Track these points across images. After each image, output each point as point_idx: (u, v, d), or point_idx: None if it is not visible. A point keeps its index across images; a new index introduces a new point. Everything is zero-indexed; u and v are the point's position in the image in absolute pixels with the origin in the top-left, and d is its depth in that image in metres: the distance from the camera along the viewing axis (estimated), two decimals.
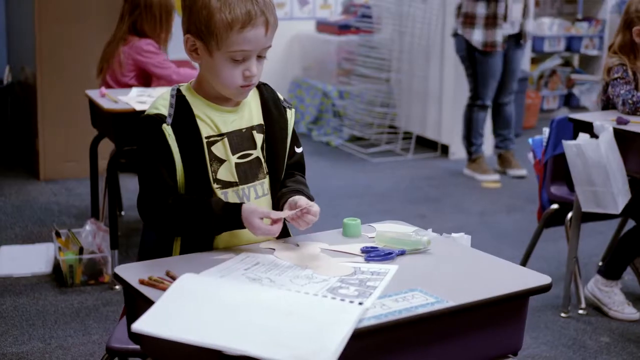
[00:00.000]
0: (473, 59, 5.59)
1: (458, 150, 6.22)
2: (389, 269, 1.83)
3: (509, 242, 4.44)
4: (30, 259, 3.96)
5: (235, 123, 2.00)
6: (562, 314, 3.54)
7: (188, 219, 1.90)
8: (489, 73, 5.59)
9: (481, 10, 5.45)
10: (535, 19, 7.46)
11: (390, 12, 6.58)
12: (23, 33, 5.57)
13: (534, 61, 7.43)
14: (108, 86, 4.25)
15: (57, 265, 3.78)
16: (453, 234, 2.08)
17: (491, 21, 5.46)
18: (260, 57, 1.95)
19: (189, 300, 1.57)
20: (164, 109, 1.94)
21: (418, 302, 1.65)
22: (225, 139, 1.97)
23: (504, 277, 1.83)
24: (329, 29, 6.93)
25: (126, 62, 4.20)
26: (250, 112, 2.03)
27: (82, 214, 4.64)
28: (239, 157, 1.98)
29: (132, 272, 1.78)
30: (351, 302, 1.62)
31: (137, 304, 1.75)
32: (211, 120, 1.97)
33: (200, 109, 1.97)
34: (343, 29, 6.83)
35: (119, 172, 4.53)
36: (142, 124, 1.94)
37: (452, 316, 1.67)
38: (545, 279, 1.80)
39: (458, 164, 6.07)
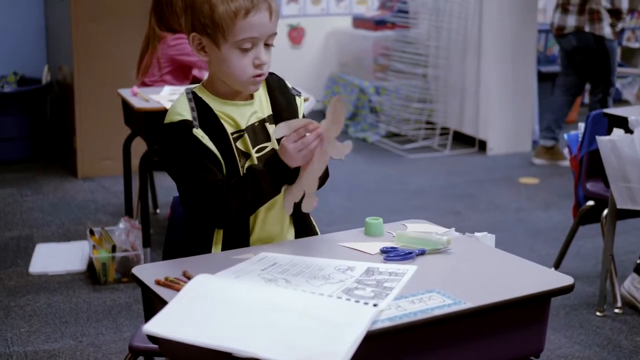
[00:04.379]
0: (605, 52, 5.65)
1: (496, 146, 6.16)
2: (408, 269, 1.80)
3: (545, 239, 4.37)
4: (66, 257, 4.00)
5: (253, 116, 2.00)
6: (598, 313, 3.48)
7: (248, 193, 1.88)
8: (616, 61, 5.82)
9: (606, 4, 5.61)
10: None
11: (426, 7, 6.53)
12: (60, 33, 5.63)
13: None
14: (145, 85, 4.28)
15: (91, 263, 3.82)
16: (476, 234, 2.04)
17: (615, 15, 5.65)
18: (267, 46, 1.94)
19: (201, 301, 1.56)
20: (187, 114, 1.93)
21: (435, 303, 1.63)
22: (245, 134, 1.97)
23: (525, 277, 1.79)
24: (365, 24, 6.90)
25: (162, 59, 4.23)
26: (261, 104, 2.03)
27: (118, 212, 4.67)
28: (257, 151, 1.98)
29: (150, 272, 1.78)
30: (366, 303, 1.60)
31: (153, 304, 1.75)
32: (230, 117, 1.97)
33: (218, 107, 1.97)
34: (379, 24, 6.79)
35: (154, 170, 4.56)
36: (171, 133, 1.93)
37: (470, 318, 1.64)
38: (567, 280, 1.76)
39: (496, 160, 6.01)
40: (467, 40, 6.27)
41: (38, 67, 6.04)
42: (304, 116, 2.10)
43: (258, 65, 1.92)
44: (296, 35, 7.01)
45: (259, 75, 1.94)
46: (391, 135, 6.60)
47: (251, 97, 2.01)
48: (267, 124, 2.01)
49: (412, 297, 1.66)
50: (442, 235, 1.97)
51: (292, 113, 2.04)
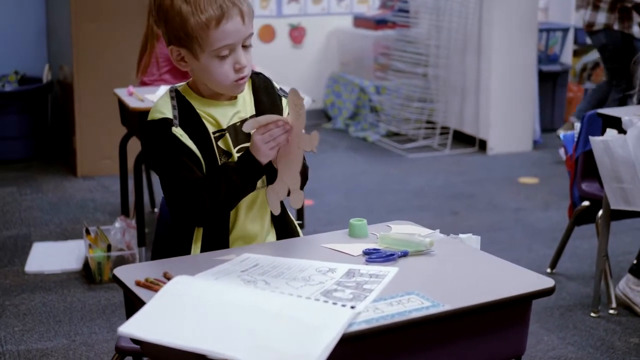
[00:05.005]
0: (632, 50, 5.71)
1: (496, 145, 6.15)
2: (389, 271, 1.80)
3: (543, 239, 4.36)
4: (62, 256, 4.01)
5: (235, 116, 2.00)
6: (592, 314, 3.47)
7: (223, 190, 1.89)
8: None
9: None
10: (577, 10, 7.33)
11: (427, 6, 6.52)
12: (60, 32, 5.65)
13: (577, 53, 7.30)
14: (145, 84, 4.29)
15: (86, 263, 3.83)
16: (461, 235, 2.04)
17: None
18: (245, 47, 1.94)
19: (178, 302, 1.56)
20: (168, 112, 1.94)
21: (413, 306, 1.63)
22: (227, 134, 1.97)
23: (506, 280, 1.79)
24: (366, 23, 6.90)
25: (160, 58, 4.23)
26: (245, 104, 2.03)
27: (116, 211, 4.68)
28: (238, 151, 1.98)
29: (131, 273, 1.79)
30: (343, 305, 1.60)
31: (134, 305, 1.75)
32: (211, 117, 1.98)
33: (201, 107, 1.98)
34: (380, 23, 6.78)
35: (151, 169, 4.56)
36: (151, 130, 1.94)
37: (448, 321, 1.64)
38: (548, 282, 1.76)
39: (496, 160, 6.00)
40: (468, 39, 6.26)
41: (39, 67, 6.06)
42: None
43: (239, 69, 1.93)
44: (297, 34, 7.00)
45: (242, 78, 1.94)
46: (391, 135, 6.60)
47: (234, 97, 2.01)
48: (248, 119, 2.01)
49: (390, 299, 1.66)
50: (425, 237, 1.97)
51: (276, 114, 2.04)
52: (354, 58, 6.95)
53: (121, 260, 3.75)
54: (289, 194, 1.96)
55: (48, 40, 6.16)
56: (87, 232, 3.87)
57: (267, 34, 6.95)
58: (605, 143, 3.12)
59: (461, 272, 1.82)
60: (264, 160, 1.89)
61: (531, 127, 6.26)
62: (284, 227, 2.10)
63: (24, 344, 3.18)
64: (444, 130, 6.40)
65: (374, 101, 6.68)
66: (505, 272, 1.83)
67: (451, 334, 1.67)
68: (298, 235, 2.13)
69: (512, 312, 1.73)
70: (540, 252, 4.18)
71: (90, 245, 3.80)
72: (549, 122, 6.68)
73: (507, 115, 6.14)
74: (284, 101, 2.09)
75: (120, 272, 1.81)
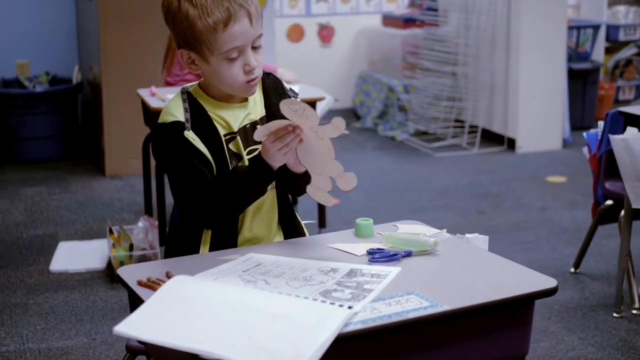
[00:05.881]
0: None
1: (525, 144, 6.10)
2: (391, 271, 1.79)
3: (568, 239, 4.32)
4: (86, 255, 4.05)
5: (245, 119, 2.00)
6: (615, 314, 3.43)
7: (233, 194, 1.89)
8: None
9: None
10: (609, 7, 7.25)
11: (455, 4, 6.48)
12: (90, 33, 5.71)
13: (609, 51, 7.22)
14: (169, 84, 4.32)
15: (110, 262, 3.86)
16: (467, 235, 2.02)
17: None
18: (255, 48, 1.94)
19: (175, 302, 1.57)
20: (180, 115, 1.94)
21: (411, 306, 1.62)
22: (238, 136, 1.98)
23: (508, 280, 1.77)
24: (394, 22, 6.88)
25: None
26: (255, 106, 2.03)
27: (142, 210, 4.72)
28: (248, 153, 1.98)
29: (134, 273, 1.80)
30: (340, 305, 1.59)
31: (137, 305, 1.77)
32: (223, 119, 1.98)
33: (212, 109, 1.98)
34: (408, 22, 6.77)
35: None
36: (163, 134, 1.94)
37: (447, 321, 1.63)
38: (550, 282, 1.74)
39: (524, 158, 5.96)
40: (496, 37, 6.21)
41: (70, 67, 6.13)
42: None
43: (249, 71, 1.92)
44: (326, 34, 7.01)
45: (252, 80, 1.94)
46: (420, 134, 6.58)
47: (245, 99, 2.02)
48: (259, 126, 2.02)
49: (390, 299, 1.65)
50: (430, 237, 1.95)
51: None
52: (382, 57, 6.94)
53: (143, 260, 3.78)
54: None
55: (78, 41, 6.23)
56: (111, 231, 3.91)
57: (296, 33, 6.96)
58: (625, 141, 3.08)
59: (464, 273, 1.81)
60: (275, 165, 1.87)
61: (560, 126, 6.20)
62: (292, 229, 2.10)
63: (45, 342, 3.22)
64: (473, 129, 6.36)
65: (402, 100, 6.66)
66: (509, 272, 1.81)
67: (451, 335, 1.66)
68: (304, 235, 2.12)
69: (513, 312, 1.72)
70: (565, 251, 4.14)
71: (113, 245, 3.84)
72: (579, 120, 6.61)
73: (536, 114, 6.09)
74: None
75: (124, 271, 1.82)
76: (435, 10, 6.67)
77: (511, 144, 6.18)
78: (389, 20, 6.96)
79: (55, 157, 5.88)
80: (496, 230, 4.45)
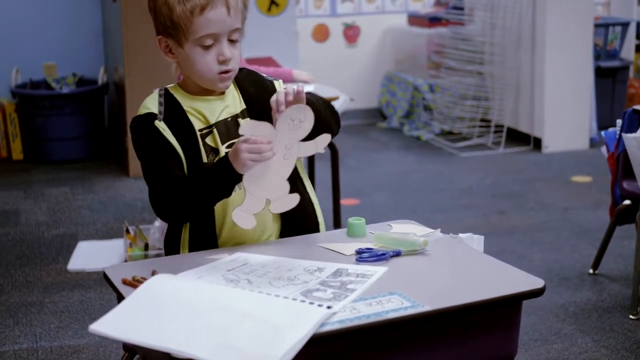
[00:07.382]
0: None
1: (551, 144, 6.02)
2: (376, 271, 1.78)
3: (589, 240, 4.25)
4: (104, 255, 4.08)
5: (223, 112, 2.00)
6: (631, 316, 3.37)
7: (193, 192, 1.88)
8: None
9: None
10: (639, 4, 7.14)
11: (481, 3, 6.43)
12: (114, 34, 5.76)
13: (638, 48, 7.10)
14: None
15: (126, 261, 3.89)
16: (460, 235, 2.00)
17: None
18: (232, 42, 1.94)
19: (152, 301, 1.57)
20: (154, 108, 1.97)
21: (391, 306, 1.60)
22: (215, 130, 1.98)
23: (495, 280, 1.74)
24: (419, 21, 6.84)
25: None
26: (234, 100, 2.03)
27: None
28: (227, 147, 1.98)
29: (121, 272, 1.81)
30: (320, 305, 1.58)
31: None
32: (199, 113, 1.99)
33: (188, 103, 1.99)
34: (434, 21, 6.72)
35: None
36: (135, 125, 1.97)
37: (428, 322, 1.61)
38: (538, 283, 1.71)
39: (550, 158, 5.88)
40: (522, 36, 6.15)
41: (96, 69, 6.19)
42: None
43: (222, 61, 1.93)
44: (351, 33, 6.99)
45: (226, 72, 1.95)
46: (445, 133, 6.53)
47: (222, 93, 2.02)
48: (240, 119, 2.01)
49: (371, 299, 1.64)
50: (422, 236, 1.93)
51: (267, 97, 1.92)
52: (408, 56, 6.90)
53: None
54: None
55: (104, 42, 6.29)
56: (127, 231, 3.94)
57: (321, 33, 6.95)
58: (637, 140, 3.02)
59: (451, 273, 1.79)
60: (240, 170, 1.82)
61: (587, 125, 6.12)
62: (293, 219, 2.04)
63: (58, 341, 3.25)
64: (498, 129, 6.30)
65: (428, 100, 6.62)
66: (496, 273, 1.79)
67: (433, 336, 1.64)
68: (317, 224, 2.09)
69: (499, 313, 1.69)
70: (585, 252, 4.08)
71: (130, 244, 3.86)
72: (607, 119, 6.50)
73: (562, 113, 6.01)
74: (277, 84, 2.08)
75: (111, 270, 1.83)
76: (461, 9, 6.62)
77: (537, 143, 6.11)
78: (414, 19, 6.92)
79: (81, 158, 5.94)
80: (516, 230, 4.40)
